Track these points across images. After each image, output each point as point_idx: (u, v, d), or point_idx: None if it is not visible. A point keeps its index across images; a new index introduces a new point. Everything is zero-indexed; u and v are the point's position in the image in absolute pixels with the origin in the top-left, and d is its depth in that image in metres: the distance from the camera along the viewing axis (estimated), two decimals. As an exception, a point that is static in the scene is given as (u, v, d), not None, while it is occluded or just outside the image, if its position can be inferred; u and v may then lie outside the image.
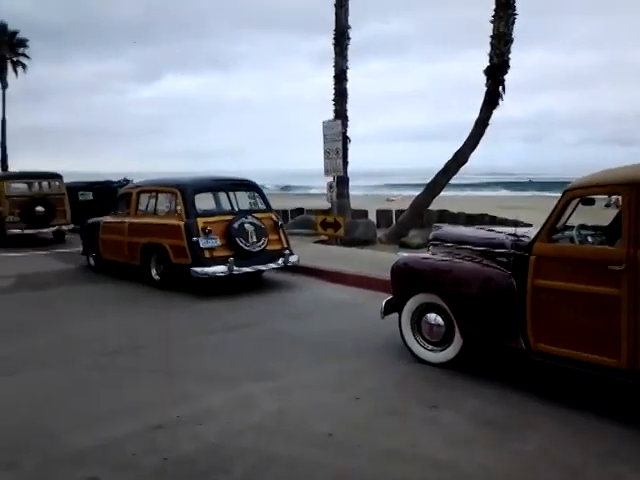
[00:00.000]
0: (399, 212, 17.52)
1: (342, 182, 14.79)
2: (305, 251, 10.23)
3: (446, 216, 16.91)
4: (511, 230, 4.82)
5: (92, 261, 10.53)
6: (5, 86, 50.45)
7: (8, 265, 11.14)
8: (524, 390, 4.34)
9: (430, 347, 4.96)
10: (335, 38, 16.06)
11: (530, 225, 10.02)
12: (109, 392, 4.53)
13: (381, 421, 3.91)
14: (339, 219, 12.35)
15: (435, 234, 5.48)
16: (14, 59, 50.68)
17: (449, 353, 4.82)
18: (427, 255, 5.28)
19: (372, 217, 18.15)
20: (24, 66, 51.58)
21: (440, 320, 4.85)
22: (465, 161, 14.07)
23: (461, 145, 14.02)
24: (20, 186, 15.10)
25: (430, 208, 15.75)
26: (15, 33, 50.62)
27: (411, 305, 5.08)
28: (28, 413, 4.16)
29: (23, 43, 51.14)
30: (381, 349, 5.45)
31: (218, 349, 5.66)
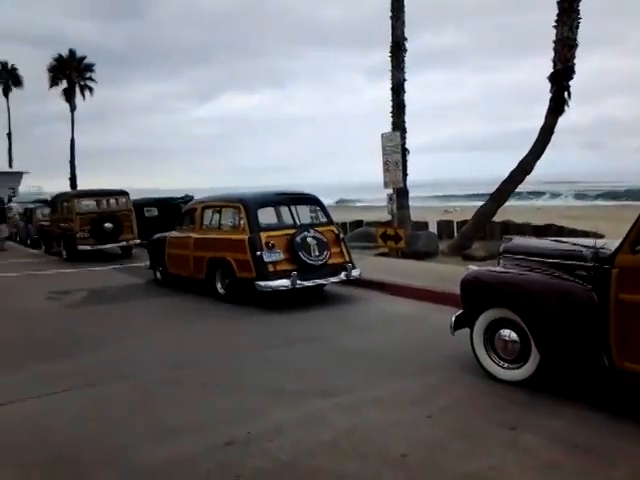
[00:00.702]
0: (461, 223, 17.15)
1: (402, 194, 14.62)
2: (366, 264, 10.13)
3: (510, 227, 16.37)
4: (588, 242, 4.59)
5: (158, 275, 10.79)
6: (74, 109, 52.99)
7: (80, 279, 11.56)
8: (609, 410, 4.09)
9: (505, 364, 4.75)
10: (391, 51, 16.00)
11: (602, 236, 9.60)
12: (178, 406, 4.56)
13: (457, 442, 3.75)
14: (400, 231, 12.20)
15: (506, 246, 5.29)
16: (82, 83, 53.24)
17: (526, 371, 4.61)
18: (499, 268, 5.10)
19: (432, 229, 17.85)
20: (91, 89, 54.06)
21: (515, 336, 4.65)
22: (530, 170, 13.65)
23: (526, 153, 13.62)
24: (89, 203, 15.74)
25: (493, 219, 15.34)
26: (83, 59, 53.23)
27: (483, 320, 4.90)
28: (102, 426, 4.23)
29: (90, 68, 53.66)
30: (451, 365, 5.28)
31: (284, 363, 5.62)
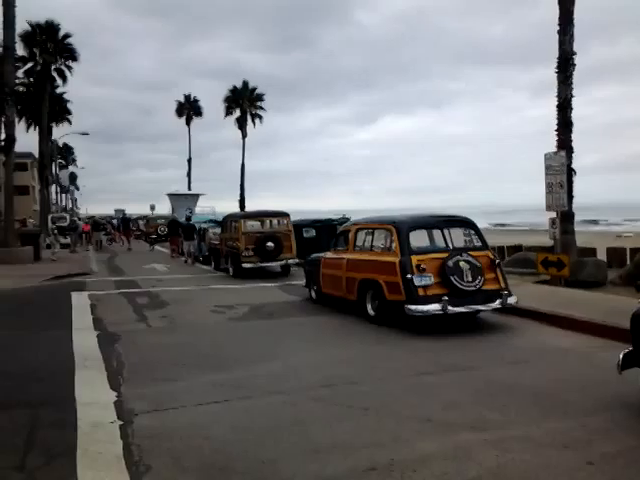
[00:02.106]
0: (635, 250, 15.56)
1: (566, 217, 13.68)
2: (524, 292, 9.61)
3: (696, 255, 14.49)
4: None
5: (313, 294, 11.18)
6: (245, 135, 57.40)
7: (243, 295, 12.36)
8: None
9: (682, 413, 4.23)
10: (558, 66, 15.14)
11: None
12: (326, 425, 4.66)
13: (620, 495, 3.40)
14: (563, 258, 11.41)
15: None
16: (253, 112, 57.59)
17: None
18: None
19: (601, 256, 16.40)
20: (260, 117, 58.28)
21: (696, 381, 4.11)
22: None
23: None
24: (254, 224, 16.76)
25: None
26: (254, 89, 57.62)
27: (656, 361, 4.40)
28: (254, 438, 4.44)
29: (261, 97, 57.95)
30: (617, 407, 4.80)
31: (432, 391, 5.50)
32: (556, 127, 15.10)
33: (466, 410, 4.93)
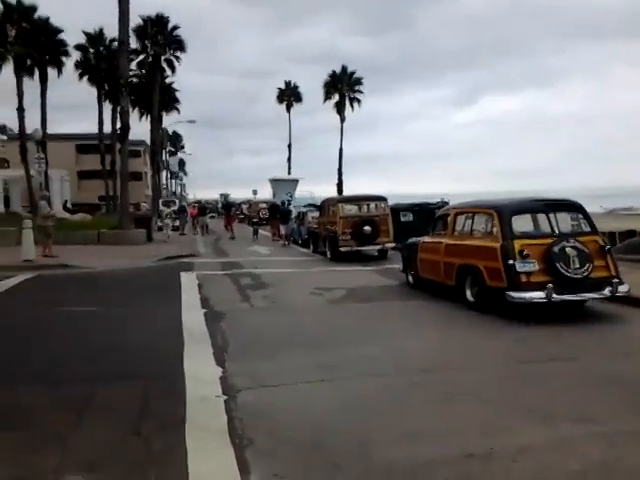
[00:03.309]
0: None
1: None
2: (637, 280, 8.99)
3: None
4: None
5: (410, 278, 11.11)
6: (343, 120, 57.68)
7: (340, 278, 12.51)
8: None
9: None
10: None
11: None
12: (422, 410, 4.68)
13: None
14: (685, 244, 10.53)
15: None
16: (351, 96, 57.73)
17: None
18: None
19: None
20: (359, 101, 58.28)
21: None
22: None
23: None
24: (352, 207, 16.87)
25: None
26: (353, 73, 57.64)
27: None
28: (350, 419, 4.53)
29: (359, 81, 57.95)
30: None
31: (534, 381, 5.34)
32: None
33: (570, 401, 4.76)
